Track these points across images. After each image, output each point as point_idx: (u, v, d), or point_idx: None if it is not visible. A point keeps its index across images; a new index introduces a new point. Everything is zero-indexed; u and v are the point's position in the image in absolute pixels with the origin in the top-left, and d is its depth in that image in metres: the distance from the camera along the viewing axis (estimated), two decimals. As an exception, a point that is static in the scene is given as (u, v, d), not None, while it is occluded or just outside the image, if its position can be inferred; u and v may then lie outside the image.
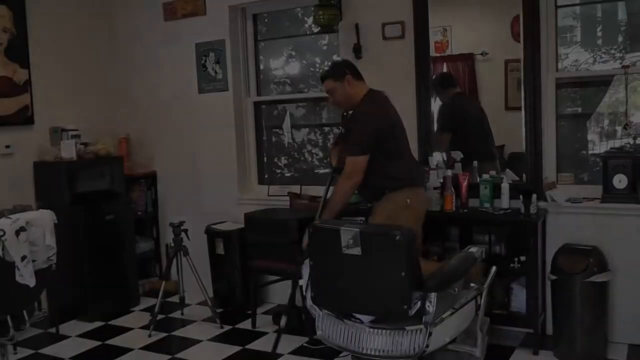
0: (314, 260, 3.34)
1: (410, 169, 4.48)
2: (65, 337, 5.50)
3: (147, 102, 6.68)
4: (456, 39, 5.45)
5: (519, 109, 4.97)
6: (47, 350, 5.21)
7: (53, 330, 5.59)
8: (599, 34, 5.36)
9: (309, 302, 3.47)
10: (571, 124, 5.37)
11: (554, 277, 4.56)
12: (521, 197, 4.70)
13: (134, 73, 6.78)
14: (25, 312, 3.98)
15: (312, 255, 3.36)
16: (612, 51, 5.18)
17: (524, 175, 5.02)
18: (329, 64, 4.68)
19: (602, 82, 5.09)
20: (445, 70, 5.60)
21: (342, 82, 4.38)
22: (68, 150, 5.84)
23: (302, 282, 3.57)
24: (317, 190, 5.84)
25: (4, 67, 5.77)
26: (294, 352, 4.85)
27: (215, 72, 6.25)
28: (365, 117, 4.33)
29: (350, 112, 4.49)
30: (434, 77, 5.44)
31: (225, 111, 6.26)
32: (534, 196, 4.68)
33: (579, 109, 5.42)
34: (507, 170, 5.14)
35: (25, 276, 3.68)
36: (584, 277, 4.41)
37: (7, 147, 5.79)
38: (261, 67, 6.47)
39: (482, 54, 5.40)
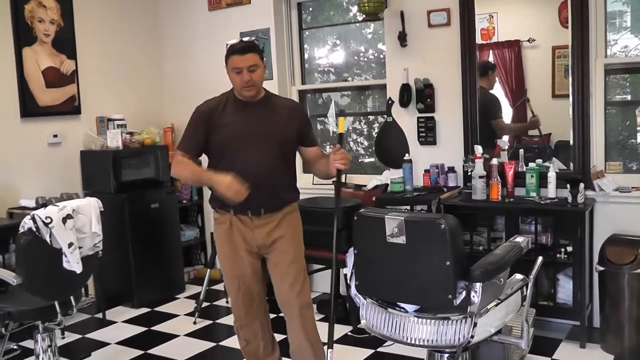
0: (358, 248, 3.33)
1: None
2: (111, 322, 5.61)
3: (192, 91, 6.68)
4: (502, 26, 5.36)
5: (567, 96, 4.89)
6: (94, 335, 5.32)
7: (100, 315, 5.70)
8: (650, 19, 5.23)
9: (353, 290, 3.45)
10: (620, 111, 5.26)
11: (601, 268, 4.48)
12: (568, 186, 4.63)
13: (179, 63, 6.83)
14: (72, 298, 4.02)
15: (356, 243, 3.34)
16: (664, 37, 5.06)
17: (571, 164, 4.95)
18: (246, 38, 4.10)
19: (653, 69, 4.98)
20: (491, 57, 5.52)
21: (264, 64, 3.83)
22: (114, 139, 5.92)
23: (346, 270, 3.56)
24: (363, 179, 5.83)
25: (52, 58, 5.85)
26: (338, 341, 4.84)
27: (260, 61, 6.24)
28: None
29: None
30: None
31: (270, 100, 6.25)
32: (582, 185, 4.61)
33: (628, 96, 5.31)
34: (554, 159, 5.07)
35: (72, 263, 3.72)
36: (632, 268, 4.33)
37: (55, 136, 5.89)
38: (305, 55, 6.47)
39: (528, 40, 5.31)
